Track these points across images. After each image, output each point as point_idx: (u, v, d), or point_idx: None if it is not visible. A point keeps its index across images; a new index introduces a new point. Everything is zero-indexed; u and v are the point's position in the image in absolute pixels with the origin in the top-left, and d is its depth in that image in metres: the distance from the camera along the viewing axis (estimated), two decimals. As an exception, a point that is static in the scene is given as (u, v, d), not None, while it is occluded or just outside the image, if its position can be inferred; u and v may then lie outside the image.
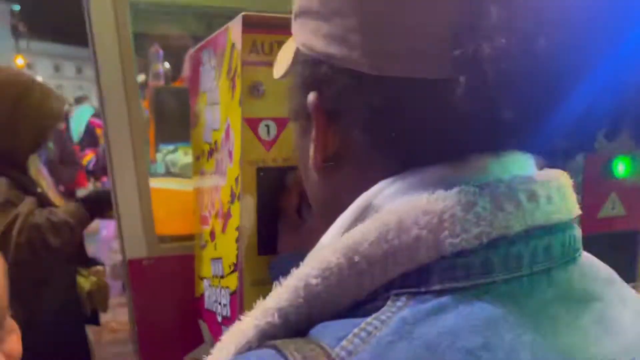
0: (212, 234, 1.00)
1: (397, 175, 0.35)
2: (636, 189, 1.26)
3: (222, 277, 0.92)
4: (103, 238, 4.19)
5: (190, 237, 1.37)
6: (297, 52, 0.41)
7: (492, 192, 0.32)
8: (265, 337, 0.34)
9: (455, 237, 0.31)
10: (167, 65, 2.87)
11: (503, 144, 0.34)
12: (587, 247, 0.39)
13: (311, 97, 0.38)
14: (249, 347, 0.34)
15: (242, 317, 0.36)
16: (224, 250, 0.90)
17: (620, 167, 1.21)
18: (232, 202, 0.82)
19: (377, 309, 0.31)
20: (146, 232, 1.31)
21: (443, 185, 0.33)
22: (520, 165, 0.35)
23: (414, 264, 0.31)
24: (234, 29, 0.74)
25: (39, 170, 1.43)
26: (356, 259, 0.32)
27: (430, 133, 0.34)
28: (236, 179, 0.79)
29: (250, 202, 0.80)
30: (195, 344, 1.49)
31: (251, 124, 0.78)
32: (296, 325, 0.34)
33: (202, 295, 1.14)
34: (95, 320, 1.69)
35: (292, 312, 0.33)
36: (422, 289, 0.31)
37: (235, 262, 0.82)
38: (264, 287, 0.83)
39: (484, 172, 0.34)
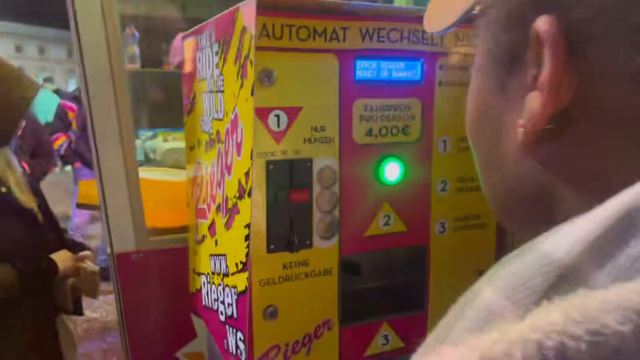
0: (212, 229, 0.95)
1: None
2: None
3: (225, 275, 0.87)
4: (75, 225, 4.06)
5: (180, 230, 1.31)
6: None
7: None
8: None
9: None
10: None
11: None
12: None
13: (543, 22, 0.27)
14: None
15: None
16: (228, 247, 0.85)
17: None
18: (240, 197, 0.77)
19: None
20: (135, 224, 1.24)
21: None
22: None
23: None
24: (246, 11, 0.69)
25: (8, 161, 1.31)
26: None
27: None
28: (246, 174, 0.74)
29: (259, 198, 0.75)
30: (187, 338, 1.44)
31: (261, 114, 0.73)
32: None
33: (198, 290, 1.09)
34: (78, 311, 1.62)
35: None
36: None
37: (244, 261, 0.77)
38: (272, 286, 0.79)
39: None
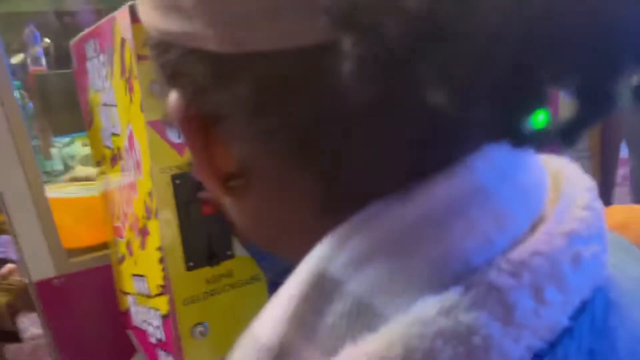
0: (129, 248, 0.89)
1: (330, 212, 0.23)
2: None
3: (148, 296, 0.83)
4: (7, 240, 3.82)
5: (103, 247, 1.24)
6: (148, 40, 0.27)
7: (532, 276, 0.20)
8: None
9: None
10: (47, 41, 2.57)
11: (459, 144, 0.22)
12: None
13: (171, 98, 0.25)
14: None
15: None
16: (146, 268, 0.80)
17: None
18: (148, 218, 0.72)
19: None
20: (51, 247, 1.16)
21: (423, 246, 0.21)
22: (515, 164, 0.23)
23: None
24: (122, 22, 0.63)
25: None
26: None
27: (340, 134, 0.22)
28: (149, 194, 0.69)
29: (169, 216, 0.71)
30: (128, 356, 1.39)
31: (157, 126, 0.68)
32: None
33: (128, 310, 1.04)
34: (15, 338, 1.52)
35: None
36: None
37: (162, 283, 0.73)
38: (197, 304, 0.75)
39: (468, 202, 0.21)
